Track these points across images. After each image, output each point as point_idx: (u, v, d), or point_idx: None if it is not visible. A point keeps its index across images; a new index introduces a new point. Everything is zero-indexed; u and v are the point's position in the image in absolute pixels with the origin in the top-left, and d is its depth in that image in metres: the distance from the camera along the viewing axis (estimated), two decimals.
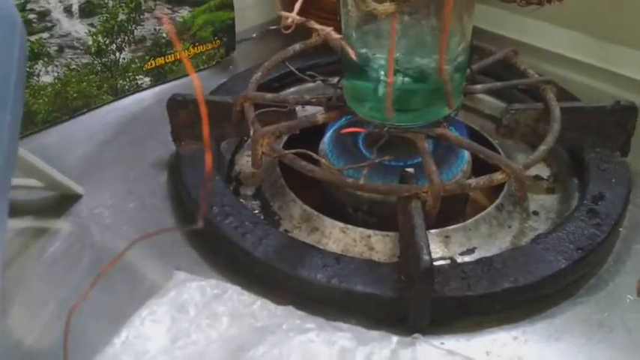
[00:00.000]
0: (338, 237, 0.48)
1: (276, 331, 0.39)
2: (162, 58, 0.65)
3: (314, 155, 0.45)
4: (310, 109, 0.60)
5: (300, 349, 0.37)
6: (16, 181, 0.49)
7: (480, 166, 0.48)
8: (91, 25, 0.59)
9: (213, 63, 0.70)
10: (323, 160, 0.44)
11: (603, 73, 0.65)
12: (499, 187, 0.50)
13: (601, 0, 0.65)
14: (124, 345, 0.38)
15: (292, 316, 0.40)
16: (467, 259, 0.46)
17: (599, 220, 0.45)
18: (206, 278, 0.43)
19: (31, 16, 0.55)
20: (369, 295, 0.40)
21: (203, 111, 0.24)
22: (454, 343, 0.39)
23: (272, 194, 0.53)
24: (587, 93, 0.60)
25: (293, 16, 0.34)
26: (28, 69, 0.56)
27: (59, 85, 0.59)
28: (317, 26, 0.35)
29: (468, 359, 0.37)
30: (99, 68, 0.61)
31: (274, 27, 0.76)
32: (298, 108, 0.59)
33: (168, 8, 0.63)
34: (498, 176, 0.43)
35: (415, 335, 0.39)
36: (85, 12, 0.58)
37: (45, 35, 0.57)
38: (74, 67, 0.59)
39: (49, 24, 0.57)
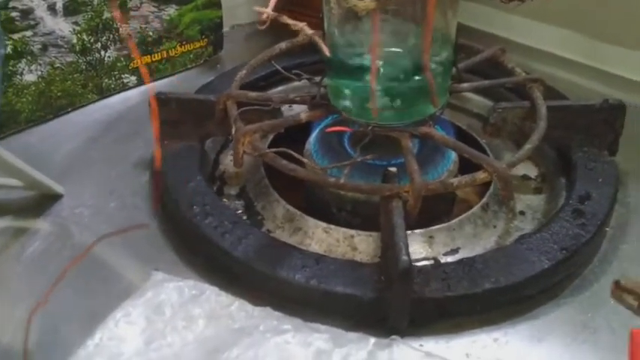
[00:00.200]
0: (321, 237, 0.47)
1: (253, 333, 0.38)
2: (149, 56, 0.64)
3: (294, 154, 0.44)
4: (298, 108, 0.59)
5: (275, 351, 0.37)
6: None
7: (469, 166, 0.48)
8: (76, 23, 0.59)
9: (201, 61, 0.69)
10: (304, 159, 0.43)
11: (592, 71, 0.65)
12: (489, 186, 0.50)
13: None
14: (98, 347, 0.38)
15: (269, 317, 0.39)
16: (450, 259, 0.45)
17: (584, 220, 0.44)
18: (184, 279, 0.42)
19: (14, 14, 0.55)
20: (347, 296, 0.40)
21: (154, 109, 0.24)
22: (433, 344, 0.39)
23: (256, 194, 0.52)
24: (576, 91, 0.59)
25: (267, 12, 0.33)
26: (10, 68, 0.56)
27: (43, 83, 0.58)
28: (290, 21, 0.35)
29: None
30: (84, 67, 0.60)
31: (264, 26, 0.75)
32: (285, 107, 0.59)
33: (154, 6, 0.63)
34: (481, 175, 0.42)
35: (393, 337, 0.38)
36: (69, 10, 0.58)
37: (28, 33, 0.56)
38: (58, 65, 0.59)
39: (32, 22, 0.56)
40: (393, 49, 0.45)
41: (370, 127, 0.47)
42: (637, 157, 0.53)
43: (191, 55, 0.68)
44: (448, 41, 0.46)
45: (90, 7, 0.59)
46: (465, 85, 0.52)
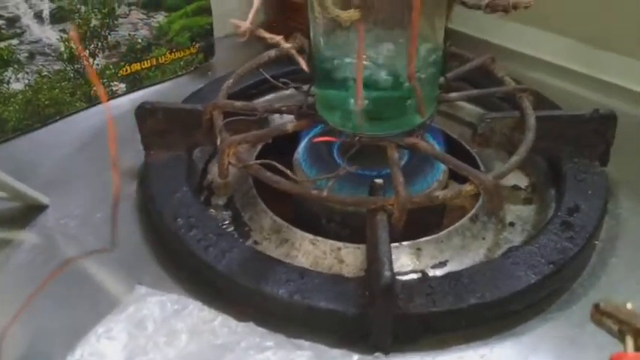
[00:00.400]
0: (308, 249, 0.46)
1: (235, 349, 0.38)
2: (138, 63, 0.64)
3: (279, 166, 0.43)
4: (288, 117, 0.59)
5: None
6: None
7: (461, 175, 0.47)
8: (63, 31, 0.58)
9: (192, 68, 0.68)
10: (288, 172, 0.43)
11: (587, 79, 0.64)
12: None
13: (585, 4, 0.64)
14: None
15: (252, 334, 0.39)
16: (438, 272, 0.45)
17: (572, 233, 0.43)
18: (167, 293, 0.42)
19: (0, 22, 0.54)
20: (331, 312, 0.39)
21: (110, 131, 0.23)
22: None
23: (243, 204, 0.51)
24: (569, 99, 0.59)
25: (244, 25, 0.32)
26: None
27: (30, 92, 0.58)
28: (267, 35, 0.34)
29: None
30: (71, 75, 0.60)
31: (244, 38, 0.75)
32: (276, 116, 0.58)
33: (143, 13, 0.62)
34: (467, 188, 0.41)
35: (376, 354, 0.37)
36: (56, 18, 0.57)
37: (14, 42, 0.56)
38: (45, 73, 0.58)
39: (18, 30, 0.56)
40: (379, 59, 0.44)
41: (357, 138, 0.46)
42: (629, 166, 0.52)
43: (181, 62, 0.67)
44: (435, 50, 0.45)
45: (77, 14, 0.58)
46: (454, 94, 0.52)
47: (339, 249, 0.46)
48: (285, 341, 0.38)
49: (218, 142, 0.46)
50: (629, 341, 0.27)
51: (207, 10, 0.67)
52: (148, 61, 0.64)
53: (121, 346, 0.38)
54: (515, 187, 0.53)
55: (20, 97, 0.57)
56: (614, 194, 0.49)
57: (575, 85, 0.63)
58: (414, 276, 0.44)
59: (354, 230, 0.48)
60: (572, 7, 0.65)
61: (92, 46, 0.60)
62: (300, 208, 0.51)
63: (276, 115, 0.58)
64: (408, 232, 0.44)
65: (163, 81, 0.67)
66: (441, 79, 0.50)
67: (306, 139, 0.53)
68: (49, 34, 0.57)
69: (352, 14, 0.39)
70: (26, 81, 0.57)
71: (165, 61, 0.66)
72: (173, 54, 0.66)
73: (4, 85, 0.56)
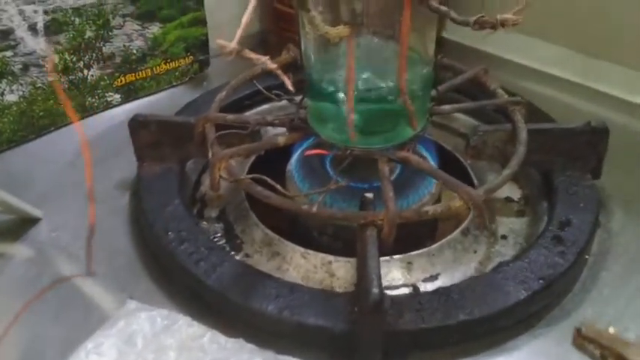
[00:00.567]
0: (299, 262, 0.46)
1: None
2: (133, 74, 0.64)
3: (269, 180, 0.43)
4: (282, 130, 0.59)
5: None
6: None
7: None
8: (57, 42, 0.58)
9: (187, 79, 0.68)
10: (278, 186, 0.43)
11: (582, 90, 0.63)
12: None
13: (579, 13, 0.63)
14: None
15: (241, 350, 0.39)
16: (429, 286, 0.44)
17: (563, 247, 0.43)
18: (158, 308, 0.42)
19: None
20: (320, 328, 0.39)
21: (87, 157, 0.23)
22: None
23: (235, 217, 0.51)
24: (564, 110, 0.59)
25: (230, 45, 0.33)
26: None
27: (25, 103, 0.58)
28: (252, 55, 0.34)
29: None
30: (66, 86, 0.60)
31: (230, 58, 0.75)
32: (270, 128, 0.58)
33: (138, 24, 0.62)
34: (456, 203, 0.41)
35: None
36: (51, 30, 0.58)
37: (8, 54, 0.56)
38: (40, 85, 0.58)
39: (12, 42, 0.56)
40: (370, 73, 0.45)
41: (349, 151, 0.46)
42: (622, 179, 0.52)
43: (177, 73, 0.67)
44: (426, 63, 0.45)
45: (72, 26, 0.59)
46: (447, 107, 0.52)
47: (330, 262, 0.46)
48: (274, 358, 0.38)
49: (209, 155, 0.46)
50: None
51: (202, 21, 0.67)
52: (143, 71, 0.65)
53: None
54: (508, 199, 0.53)
55: (14, 108, 0.57)
56: (606, 207, 0.49)
57: (568, 94, 0.63)
58: (405, 290, 0.44)
59: (346, 243, 0.48)
60: (566, 16, 0.64)
61: (87, 57, 0.60)
62: (293, 221, 0.51)
63: (270, 127, 0.58)
64: (400, 246, 0.44)
65: (158, 91, 0.67)
66: (433, 92, 0.50)
67: (298, 151, 0.53)
68: (43, 46, 0.58)
69: (341, 31, 0.39)
70: (20, 92, 0.57)
71: (160, 71, 0.66)
72: (168, 64, 0.66)
73: None
